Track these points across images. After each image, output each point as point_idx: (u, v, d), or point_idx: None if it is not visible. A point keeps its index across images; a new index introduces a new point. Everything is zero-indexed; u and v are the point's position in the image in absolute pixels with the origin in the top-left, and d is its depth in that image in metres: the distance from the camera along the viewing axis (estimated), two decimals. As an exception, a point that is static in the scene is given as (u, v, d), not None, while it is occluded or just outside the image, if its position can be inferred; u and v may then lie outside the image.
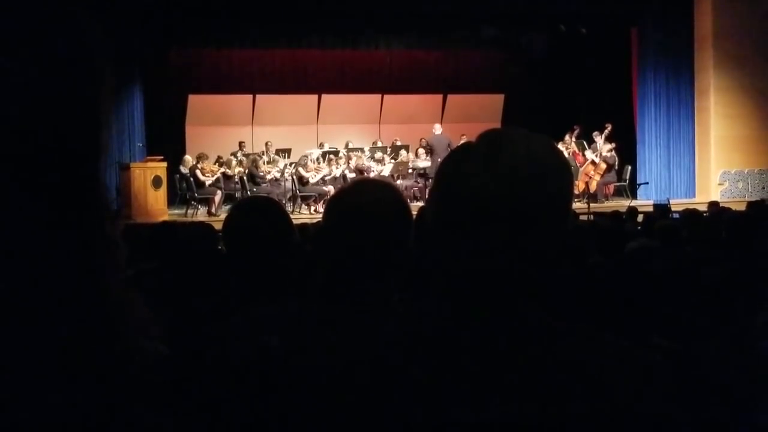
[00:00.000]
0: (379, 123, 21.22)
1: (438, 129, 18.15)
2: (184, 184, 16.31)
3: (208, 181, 16.20)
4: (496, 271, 1.14)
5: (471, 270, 1.15)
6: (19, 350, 0.68)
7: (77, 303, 0.71)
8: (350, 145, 19.08)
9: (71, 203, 0.72)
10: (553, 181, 1.17)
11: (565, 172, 1.20)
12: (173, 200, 16.61)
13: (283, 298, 1.98)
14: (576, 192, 17.32)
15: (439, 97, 21.72)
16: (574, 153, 18.21)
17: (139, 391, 0.77)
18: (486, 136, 1.21)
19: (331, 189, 15.88)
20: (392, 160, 18.31)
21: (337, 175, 17.00)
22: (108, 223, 0.77)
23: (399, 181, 17.03)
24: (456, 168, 1.19)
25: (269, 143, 18.13)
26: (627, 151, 18.69)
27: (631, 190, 18.52)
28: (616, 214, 10.52)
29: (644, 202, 16.61)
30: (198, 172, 16.12)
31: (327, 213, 1.72)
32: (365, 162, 17.82)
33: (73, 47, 0.73)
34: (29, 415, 0.67)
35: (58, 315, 0.70)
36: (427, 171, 17.46)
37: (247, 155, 17.75)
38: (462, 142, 1.55)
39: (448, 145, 16.96)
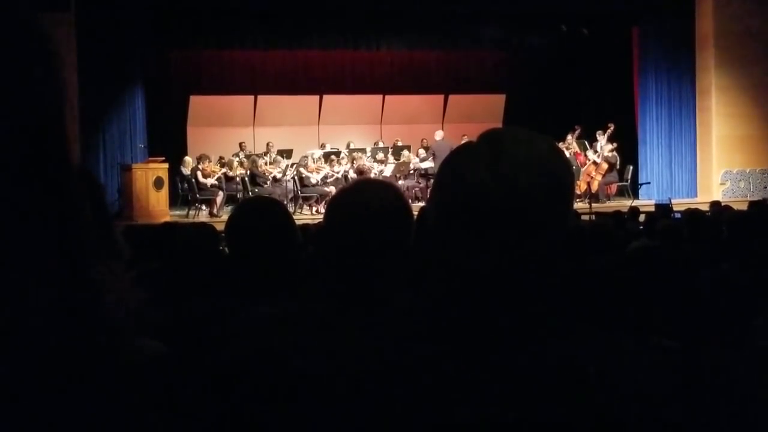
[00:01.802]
0: (381, 123, 21.21)
1: (439, 135, 18.14)
2: (186, 185, 16.32)
3: (210, 182, 16.21)
4: (497, 271, 1.15)
5: (472, 270, 1.15)
6: (3, 353, 0.67)
7: (62, 302, 0.71)
8: (352, 146, 19.08)
9: (43, 196, 0.72)
10: (554, 180, 1.17)
11: (566, 171, 1.20)
12: (175, 201, 16.62)
13: (285, 299, 1.98)
14: (578, 192, 17.32)
15: (441, 97, 21.71)
16: (575, 153, 18.22)
17: (134, 390, 0.76)
18: (487, 136, 1.21)
19: (332, 189, 15.88)
20: (394, 161, 18.32)
21: (339, 176, 17.01)
22: (85, 214, 0.77)
23: (400, 182, 17.04)
24: (457, 168, 1.19)
25: (271, 144, 18.14)
26: (628, 150, 18.69)
27: (633, 190, 18.52)
28: (617, 214, 10.52)
29: (646, 201, 16.62)
30: (199, 174, 16.12)
31: (328, 213, 1.72)
32: (366, 162, 17.83)
33: (31, 45, 0.73)
34: (16, 419, 0.67)
35: (43, 315, 0.70)
36: (429, 171, 17.46)
37: (248, 156, 17.75)
38: (463, 142, 1.55)
39: (450, 150, 17.00)
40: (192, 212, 16.11)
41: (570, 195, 1.22)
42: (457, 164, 1.20)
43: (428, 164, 17.82)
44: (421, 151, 18.54)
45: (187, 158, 16.75)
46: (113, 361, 0.74)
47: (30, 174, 0.70)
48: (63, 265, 0.72)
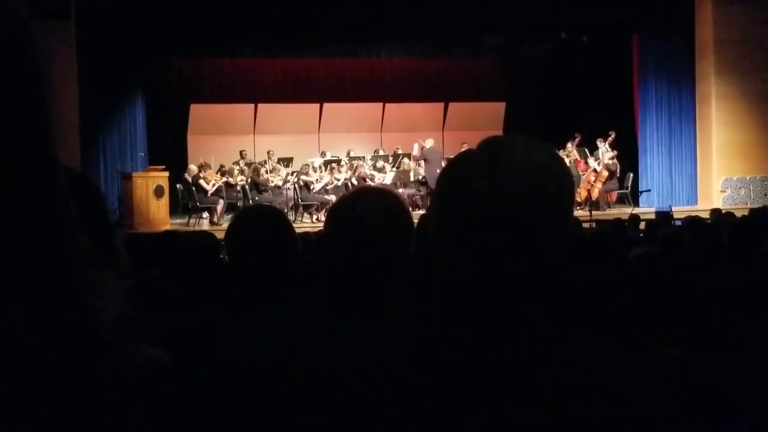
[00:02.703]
0: (381, 131, 21.23)
1: (430, 142, 18.13)
2: (187, 194, 16.33)
3: (210, 190, 16.22)
4: (497, 278, 1.14)
5: (472, 277, 1.15)
6: None
7: (48, 307, 0.71)
8: (352, 154, 19.10)
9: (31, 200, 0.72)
10: (554, 188, 1.17)
11: (565, 179, 1.20)
12: (175, 210, 16.63)
13: (285, 307, 1.98)
14: (578, 200, 17.33)
15: (441, 105, 21.73)
16: (575, 160, 18.24)
17: (135, 399, 0.76)
18: (486, 144, 1.21)
19: (333, 198, 15.88)
20: (394, 169, 18.33)
21: (339, 184, 17.01)
22: (72, 220, 0.76)
23: (401, 190, 17.04)
24: (457, 175, 1.19)
25: (271, 152, 18.16)
26: (629, 158, 18.71)
27: (633, 198, 18.52)
28: (618, 222, 10.51)
29: (646, 209, 16.62)
30: (201, 181, 16.14)
31: (328, 222, 1.72)
32: (367, 170, 17.84)
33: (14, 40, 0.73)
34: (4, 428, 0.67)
35: (29, 320, 0.69)
36: (428, 181, 17.46)
37: (248, 164, 17.77)
38: (462, 150, 1.54)
39: (441, 156, 17.32)
40: (192, 220, 16.12)
41: (570, 202, 1.22)
42: (456, 172, 1.20)
43: (420, 171, 17.94)
44: (415, 146, 18.49)
45: (192, 166, 16.78)
46: (104, 368, 0.74)
47: (12, 178, 0.70)
48: (49, 270, 0.72)
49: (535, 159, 1.17)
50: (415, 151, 18.38)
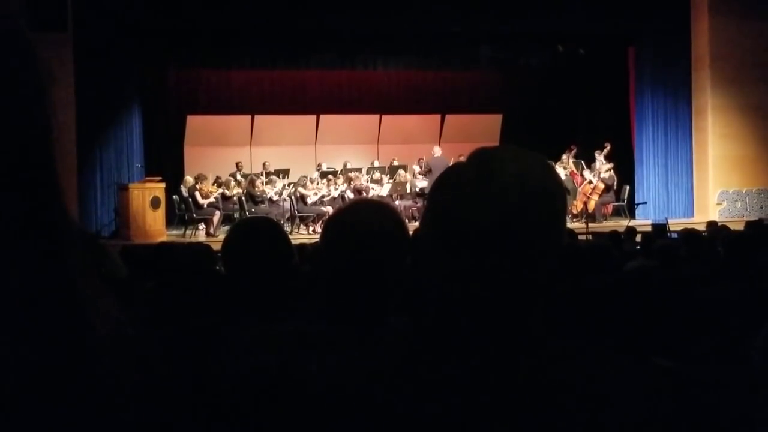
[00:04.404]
0: (378, 143, 21.25)
1: (438, 151, 18.19)
2: (183, 205, 16.33)
3: (207, 201, 16.22)
4: (489, 291, 1.15)
5: (465, 292, 1.15)
6: None
7: (44, 318, 0.71)
8: (348, 166, 19.11)
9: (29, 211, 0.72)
10: (545, 201, 1.16)
11: (557, 192, 1.20)
12: (171, 221, 16.61)
13: (281, 318, 1.98)
14: (574, 212, 17.36)
15: (438, 117, 21.76)
16: (571, 173, 18.27)
17: (132, 409, 0.76)
18: (477, 157, 1.20)
19: (329, 209, 15.89)
20: (390, 181, 18.34)
21: (336, 196, 17.02)
22: (71, 232, 0.76)
23: (397, 202, 17.05)
24: (447, 189, 1.19)
25: (267, 163, 18.18)
26: (625, 170, 18.73)
27: (630, 210, 18.54)
28: (614, 234, 10.53)
29: (642, 221, 16.63)
30: (197, 193, 16.14)
31: (324, 233, 1.72)
32: (363, 182, 17.85)
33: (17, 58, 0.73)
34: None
35: (25, 331, 0.69)
36: (425, 190, 17.48)
37: (245, 176, 17.78)
38: (452, 162, 1.53)
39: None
40: (189, 232, 16.11)
41: (562, 213, 1.22)
42: (447, 186, 1.20)
43: (423, 183, 17.90)
44: (416, 168, 18.58)
45: (188, 178, 16.79)
46: (101, 378, 0.74)
47: (14, 190, 0.70)
48: (49, 281, 0.72)
49: (525, 172, 1.17)
50: (416, 166, 18.57)
